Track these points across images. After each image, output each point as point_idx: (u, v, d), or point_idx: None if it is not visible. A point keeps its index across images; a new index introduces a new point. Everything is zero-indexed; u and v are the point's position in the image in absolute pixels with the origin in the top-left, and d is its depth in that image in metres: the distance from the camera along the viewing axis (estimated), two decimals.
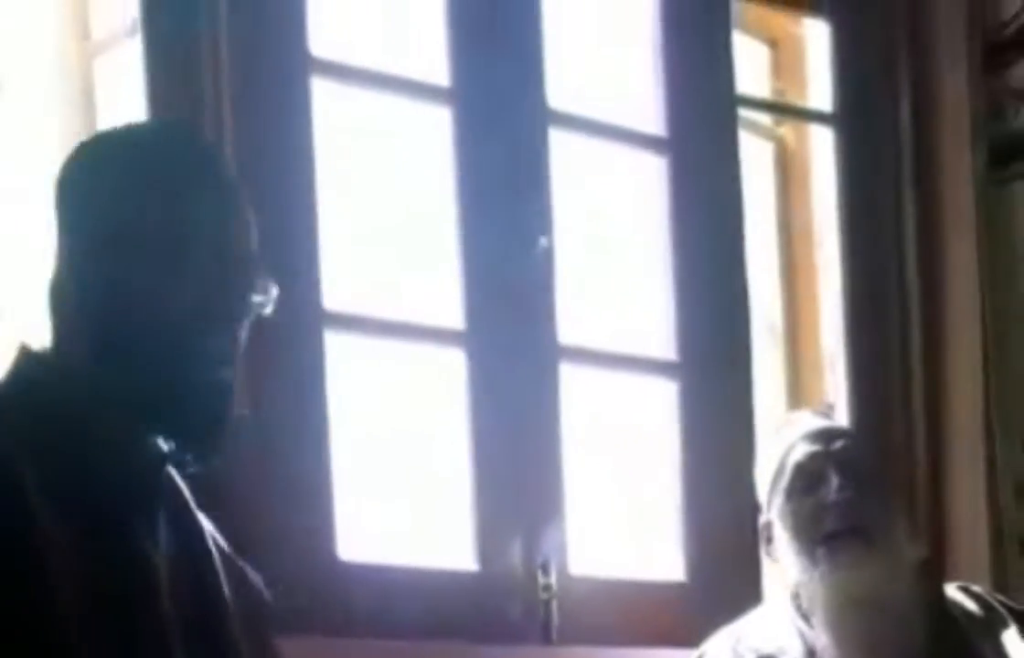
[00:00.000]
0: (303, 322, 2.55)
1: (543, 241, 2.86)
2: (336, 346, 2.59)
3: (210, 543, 1.75)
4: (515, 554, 2.71)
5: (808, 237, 3.33)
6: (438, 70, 2.79)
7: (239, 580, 1.77)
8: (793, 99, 3.36)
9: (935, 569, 2.69)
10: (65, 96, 2.53)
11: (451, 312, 2.75)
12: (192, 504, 1.73)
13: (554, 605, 2.71)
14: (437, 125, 2.79)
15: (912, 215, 3.27)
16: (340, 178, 2.65)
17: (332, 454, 2.54)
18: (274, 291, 1.70)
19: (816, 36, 3.31)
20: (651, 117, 3.07)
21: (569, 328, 2.86)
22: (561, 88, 2.91)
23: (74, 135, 2.51)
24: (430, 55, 2.78)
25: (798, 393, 3.28)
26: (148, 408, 1.61)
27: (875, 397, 3.25)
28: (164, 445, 1.65)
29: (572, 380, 2.85)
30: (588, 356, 2.93)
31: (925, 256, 3.25)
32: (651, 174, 3.06)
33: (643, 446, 3.00)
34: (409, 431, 2.72)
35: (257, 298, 1.69)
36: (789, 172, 3.38)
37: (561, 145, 2.92)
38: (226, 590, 1.72)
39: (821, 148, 3.32)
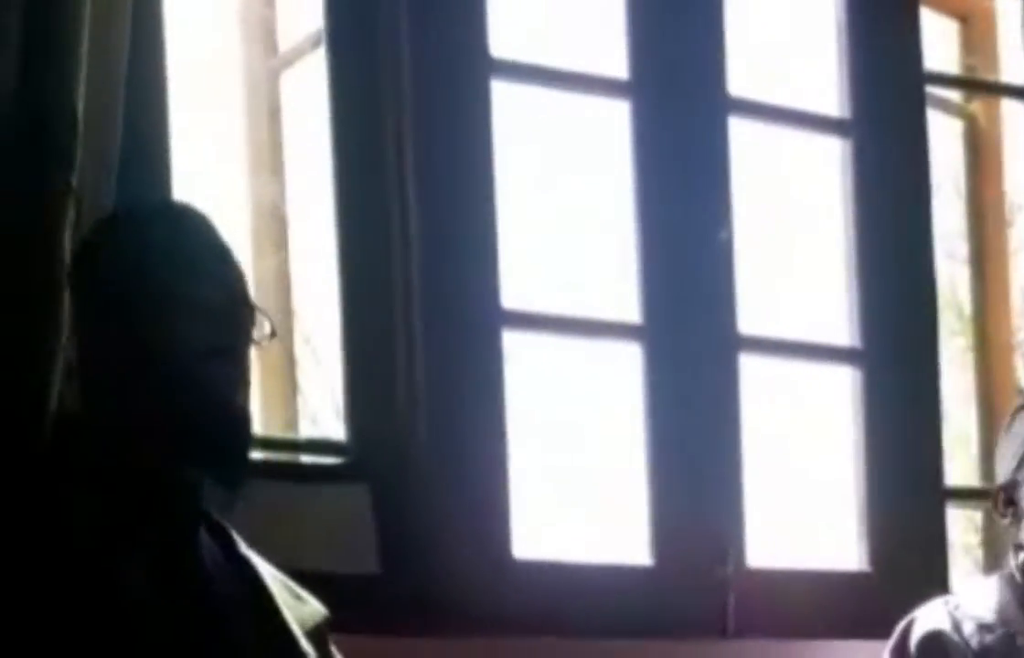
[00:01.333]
0: (481, 321, 2.65)
1: (723, 234, 2.91)
2: (514, 344, 2.68)
3: (247, 555, 1.94)
4: (692, 547, 2.78)
5: (999, 217, 3.32)
6: (616, 63, 2.85)
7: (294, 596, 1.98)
8: (984, 74, 3.35)
9: None
10: (253, 109, 2.66)
11: (629, 306, 2.82)
12: (240, 544, 1.93)
13: (731, 598, 2.77)
14: (615, 118, 2.85)
15: None
16: (518, 176, 2.73)
17: (509, 452, 2.63)
18: (267, 327, 1.89)
19: (1008, 9, 3.28)
20: (834, 99, 3.09)
21: (749, 318, 2.90)
22: (741, 74, 2.95)
23: (262, 147, 2.66)
24: (608, 48, 2.84)
25: (987, 380, 3.28)
26: (176, 438, 1.82)
27: None
28: (194, 476, 1.86)
29: (752, 371, 2.89)
30: (769, 345, 2.98)
31: None
32: (834, 158, 3.08)
33: (825, 436, 3.04)
34: (586, 427, 2.80)
35: (255, 331, 1.88)
36: (980, 150, 3.36)
37: (741, 133, 2.96)
38: (278, 602, 1.91)
39: (1013, 124, 3.30)
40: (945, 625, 2.57)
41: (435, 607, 2.50)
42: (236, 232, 2.61)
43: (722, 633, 2.76)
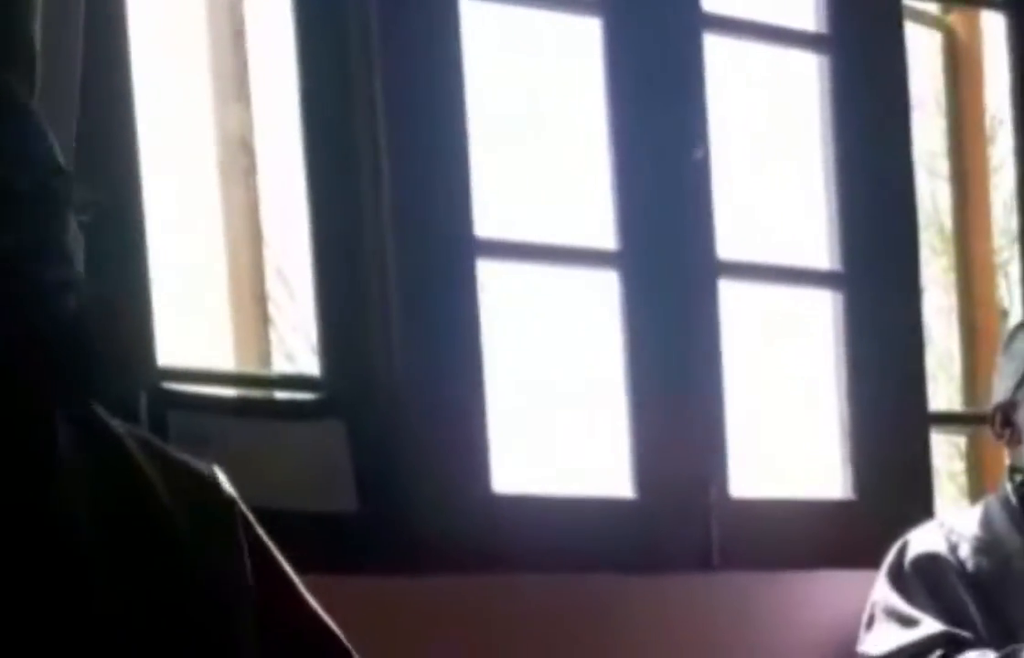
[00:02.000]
0: (455, 251, 2.63)
1: (698, 152, 2.89)
2: (488, 273, 2.66)
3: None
4: (674, 479, 2.78)
5: (979, 133, 3.31)
6: None
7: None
8: None
9: None
10: (217, 35, 2.62)
11: (604, 232, 2.80)
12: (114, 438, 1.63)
13: (715, 529, 2.77)
14: (588, 37, 2.82)
15: None
16: (490, 100, 2.71)
17: (487, 385, 2.61)
18: (88, 196, 1.53)
19: None
20: (811, 14, 3.07)
21: (727, 242, 2.89)
22: None
23: (227, 74, 2.62)
24: None
25: (969, 300, 3.28)
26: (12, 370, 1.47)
27: None
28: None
29: (732, 296, 2.88)
30: (748, 270, 2.97)
31: None
32: (812, 74, 3.07)
33: (807, 362, 3.04)
34: (564, 358, 2.79)
35: (78, 211, 1.53)
36: (959, 64, 3.35)
37: (716, 49, 2.94)
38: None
39: (993, 37, 3.29)
40: (940, 547, 2.59)
41: (414, 544, 2.49)
42: (203, 163, 2.58)
43: (706, 565, 2.77)
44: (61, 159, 1.56)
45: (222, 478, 1.72)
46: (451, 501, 2.56)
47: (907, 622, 2.56)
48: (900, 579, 2.62)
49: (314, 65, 2.56)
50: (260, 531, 1.74)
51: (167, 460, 1.67)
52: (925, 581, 2.59)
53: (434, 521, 2.52)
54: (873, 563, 2.74)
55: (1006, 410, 2.65)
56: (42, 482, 1.54)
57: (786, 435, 3.05)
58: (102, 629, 1.53)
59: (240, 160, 2.66)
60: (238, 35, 2.65)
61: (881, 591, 2.63)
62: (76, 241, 1.54)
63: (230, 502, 1.70)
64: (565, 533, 2.65)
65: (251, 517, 1.73)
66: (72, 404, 1.56)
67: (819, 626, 2.77)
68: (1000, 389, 2.68)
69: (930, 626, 2.54)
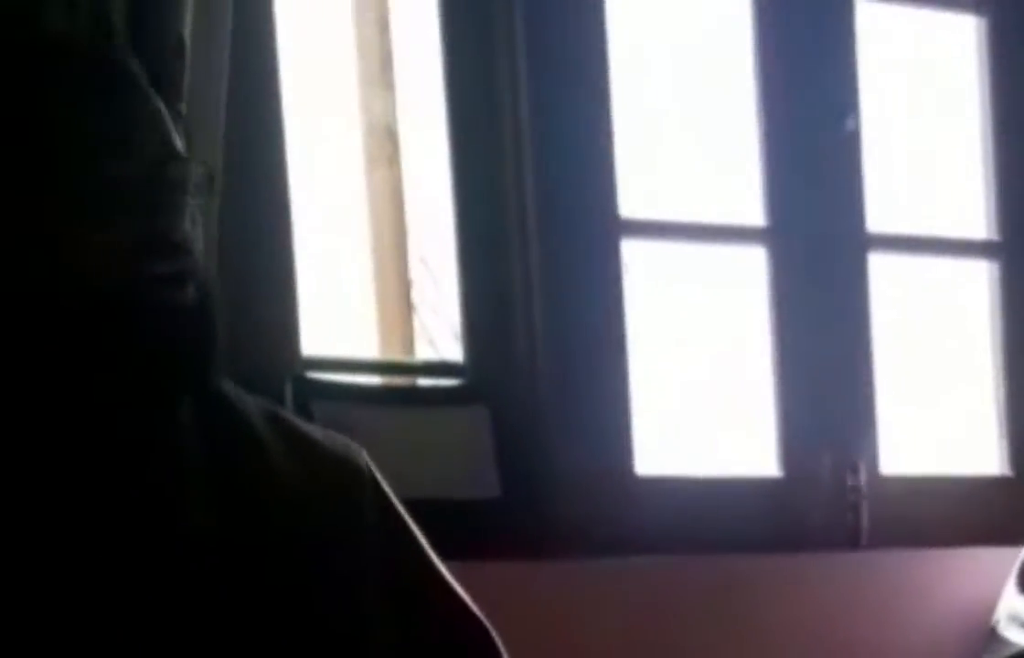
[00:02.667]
0: (599, 232, 2.66)
1: (849, 122, 2.89)
2: (633, 253, 2.69)
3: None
4: (822, 457, 2.79)
5: None
6: None
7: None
8: None
9: None
10: (363, 22, 2.67)
11: (752, 208, 2.81)
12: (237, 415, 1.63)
13: (864, 507, 2.78)
14: (734, 3, 2.83)
15: None
16: (635, 77, 2.73)
17: (630, 367, 2.65)
18: (198, 171, 1.49)
19: None
20: None
21: (878, 215, 2.89)
22: None
23: (372, 60, 2.68)
24: None
25: None
26: (103, 386, 1.45)
27: None
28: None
29: (882, 270, 2.88)
30: (900, 243, 2.96)
31: None
32: (967, 37, 3.04)
33: (961, 335, 3.02)
34: (710, 337, 2.81)
35: (192, 186, 1.50)
36: None
37: (868, 15, 2.93)
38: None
39: None
40: None
41: (558, 529, 2.53)
42: (348, 150, 2.65)
43: (855, 544, 2.77)
44: (177, 144, 1.52)
45: (359, 457, 1.70)
46: (594, 485, 2.60)
47: None
48: None
49: (458, 51, 2.61)
50: (401, 513, 1.74)
51: (298, 438, 1.66)
52: None
53: (577, 505, 2.57)
54: None
55: None
56: (158, 473, 1.53)
57: (940, 411, 3.04)
58: (217, 617, 1.53)
59: (385, 147, 2.72)
60: (383, 22, 2.70)
61: (1008, 594, 2.62)
62: (195, 228, 1.50)
63: (360, 476, 1.68)
64: (710, 514, 2.68)
65: (392, 498, 1.74)
66: (191, 392, 1.55)
67: (971, 603, 2.76)
68: None
69: None
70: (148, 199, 1.46)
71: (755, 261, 2.82)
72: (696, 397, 2.84)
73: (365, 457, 1.74)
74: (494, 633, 1.79)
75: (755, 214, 2.83)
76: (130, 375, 1.47)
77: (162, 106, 1.56)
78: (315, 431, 1.73)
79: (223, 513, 1.58)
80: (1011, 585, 2.65)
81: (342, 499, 1.66)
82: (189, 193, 1.50)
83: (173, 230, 1.48)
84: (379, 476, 1.74)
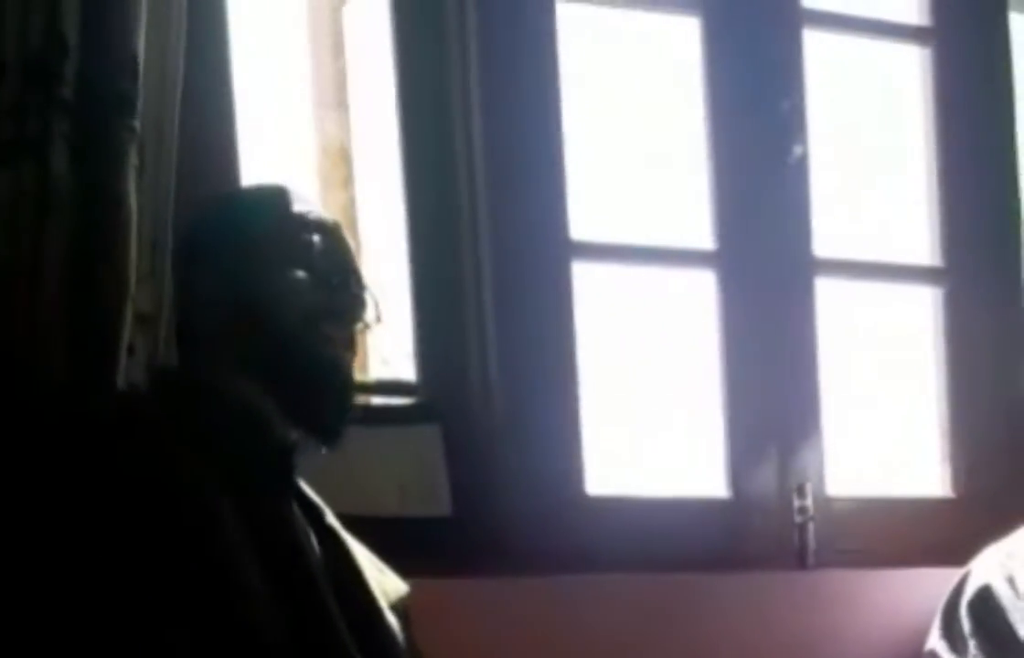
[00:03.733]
0: (550, 254, 2.70)
1: (797, 149, 2.93)
2: (583, 276, 2.73)
3: (333, 524, 2.04)
4: (769, 478, 2.83)
5: None
6: None
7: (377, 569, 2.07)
8: None
9: None
10: (317, 45, 2.69)
11: (700, 232, 2.85)
12: (311, 495, 2.03)
13: (811, 528, 2.82)
14: (684, 32, 2.87)
15: None
16: (585, 104, 2.76)
17: (580, 388, 2.68)
18: (377, 305, 2.00)
19: None
20: (913, 5, 3.09)
21: (824, 240, 2.93)
22: None
23: (326, 83, 2.70)
24: None
25: None
26: (284, 391, 1.94)
27: None
28: (292, 435, 1.97)
29: (829, 294, 2.92)
30: (846, 268, 3.00)
31: None
32: (913, 67, 3.09)
33: (905, 359, 3.06)
34: (659, 359, 2.84)
35: (367, 307, 2.01)
36: None
37: (815, 45, 2.97)
38: (365, 573, 2.01)
39: None
40: (996, 579, 2.59)
41: (509, 547, 2.56)
42: (302, 170, 2.67)
43: (802, 564, 2.80)
44: (361, 272, 2.05)
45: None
46: (545, 504, 2.62)
47: None
48: (952, 622, 2.64)
49: (412, 73, 2.64)
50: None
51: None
52: (977, 622, 2.62)
53: (528, 524, 2.60)
54: (971, 560, 2.77)
55: None
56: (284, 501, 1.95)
57: (885, 433, 3.08)
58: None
59: (339, 168, 2.74)
60: (337, 44, 2.73)
61: (932, 642, 2.66)
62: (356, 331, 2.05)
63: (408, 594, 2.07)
64: (659, 534, 2.70)
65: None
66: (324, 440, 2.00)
67: (916, 624, 2.80)
68: None
69: None
70: (341, 287, 2.05)
71: (704, 284, 2.85)
72: (645, 418, 2.87)
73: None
74: None
75: (704, 238, 2.86)
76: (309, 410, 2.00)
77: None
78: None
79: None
80: (935, 633, 2.69)
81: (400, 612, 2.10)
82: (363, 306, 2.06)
83: (352, 314, 2.05)
84: None
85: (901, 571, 2.85)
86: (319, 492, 2.04)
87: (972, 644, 2.61)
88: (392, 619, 2.01)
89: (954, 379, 3.04)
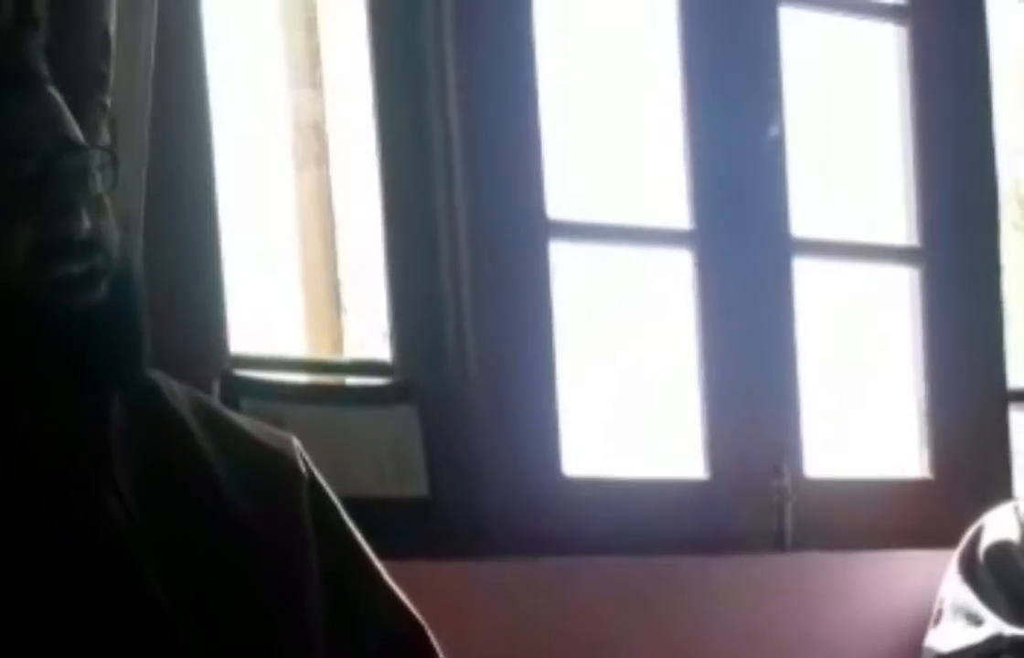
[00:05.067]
0: (527, 233, 2.68)
1: (773, 129, 2.92)
2: (561, 255, 2.71)
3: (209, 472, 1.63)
4: (748, 459, 2.82)
5: None
6: None
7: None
8: None
9: None
10: (290, 21, 2.67)
11: (677, 212, 2.84)
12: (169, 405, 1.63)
13: (789, 510, 2.81)
14: (660, 9, 2.86)
15: None
16: (562, 83, 2.75)
17: (558, 367, 2.66)
18: (98, 157, 1.50)
19: None
20: None
21: (802, 220, 2.92)
22: None
23: (300, 59, 2.68)
24: None
25: None
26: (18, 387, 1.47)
27: None
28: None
29: (806, 274, 2.91)
30: (823, 247, 3.00)
31: None
32: (889, 47, 3.08)
33: (883, 340, 3.06)
34: (637, 339, 2.83)
35: (98, 177, 1.51)
36: None
37: (792, 23, 2.96)
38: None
39: None
40: (1014, 534, 2.60)
41: (486, 529, 2.55)
42: (276, 147, 2.65)
43: (780, 547, 2.80)
44: (74, 131, 1.50)
45: (293, 450, 1.71)
46: (522, 485, 2.61)
47: (974, 620, 2.59)
48: (971, 570, 2.64)
49: (386, 49, 2.62)
50: (336, 506, 1.75)
51: (232, 432, 1.67)
52: (996, 573, 2.62)
53: (505, 505, 2.58)
54: (950, 543, 2.77)
55: None
56: (88, 469, 1.54)
57: (862, 415, 3.07)
58: (152, 610, 1.52)
59: (313, 146, 2.72)
60: (311, 20, 2.71)
61: (951, 583, 2.66)
62: (103, 217, 1.50)
63: (297, 476, 1.68)
64: (637, 515, 2.69)
65: (327, 492, 1.74)
66: (116, 387, 1.55)
67: (894, 606, 2.80)
68: None
69: (995, 626, 2.57)
70: (45, 197, 1.45)
71: (681, 264, 2.84)
72: (623, 398, 2.85)
73: (300, 451, 1.74)
74: (430, 632, 1.80)
75: (681, 217, 2.85)
76: (41, 379, 1.47)
77: (56, 94, 1.55)
78: (247, 422, 1.75)
79: (150, 495, 1.57)
80: (953, 574, 2.68)
81: (279, 496, 1.67)
82: (90, 182, 1.50)
83: (77, 227, 1.47)
84: (315, 471, 1.74)
85: (879, 553, 2.85)
86: None
87: (992, 589, 2.59)
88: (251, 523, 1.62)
89: (932, 359, 3.04)
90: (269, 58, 2.66)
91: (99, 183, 1.51)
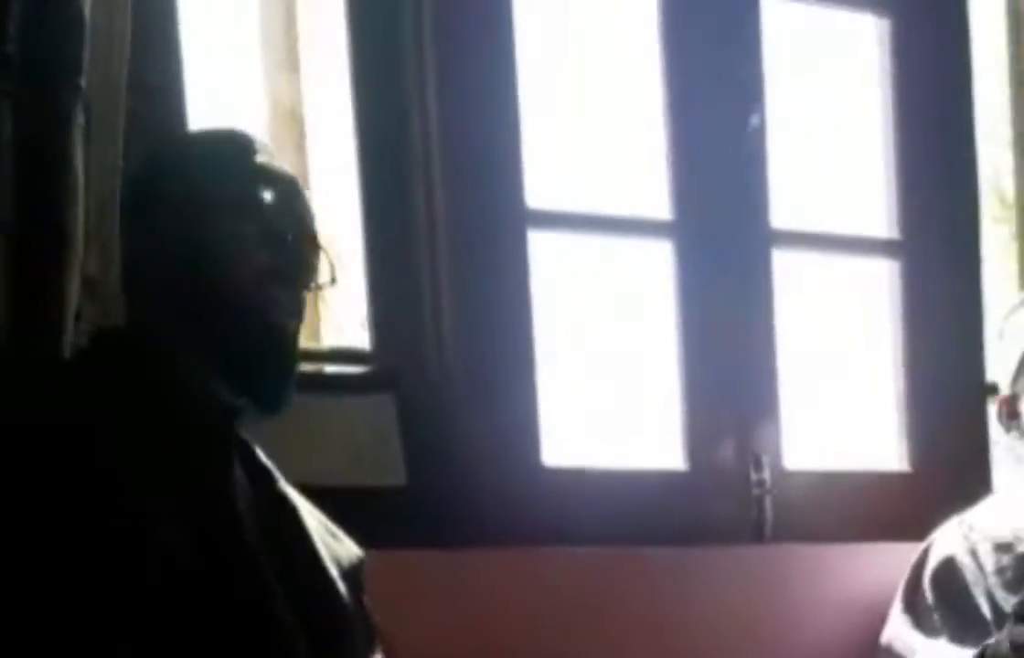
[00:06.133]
0: (506, 223, 2.67)
1: (754, 119, 2.91)
2: (540, 244, 2.70)
3: (284, 490, 1.98)
4: (726, 451, 2.82)
5: None
6: None
7: (331, 534, 2.01)
8: None
9: None
10: (267, 5, 2.65)
11: (658, 202, 2.83)
12: (262, 459, 1.97)
13: (768, 502, 2.81)
14: (641, 2, 2.84)
15: None
16: (540, 69, 2.73)
17: (537, 357, 2.65)
18: (333, 267, 1.92)
19: None
20: None
21: (782, 211, 2.91)
22: None
23: (278, 44, 2.66)
24: None
25: None
26: (226, 353, 1.86)
27: None
28: (235, 401, 1.90)
29: (786, 266, 2.91)
30: (803, 239, 2.99)
31: None
32: (871, 38, 3.08)
33: (862, 332, 3.05)
34: (616, 329, 2.82)
35: (318, 271, 1.93)
36: (1022, 27, 3.34)
37: (773, 14, 2.96)
38: (315, 540, 1.95)
39: None
40: (958, 550, 2.59)
41: (464, 518, 2.54)
42: (253, 132, 2.62)
43: (759, 538, 2.80)
44: (317, 230, 1.95)
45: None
46: (501, 475, 2.60)
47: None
48: (915, 596, 2.64)
49: (365, 34, 2.60)
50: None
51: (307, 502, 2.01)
52: (940, 595, 2.61)
53: (484, 495, 2.57)
54: (928, 535, 2.76)
55: (1010, 403, 2.64)
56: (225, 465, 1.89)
57: (842, 407, 3.07)
58: (266, 588, 1.83)
59: (290, 131, 2.70)
60: (289, 4, 2.69)
61: (894, 618, 2.65)
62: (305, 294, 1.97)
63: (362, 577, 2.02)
64: (616, 506, 2.69)
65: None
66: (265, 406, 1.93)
67: (873, 598, 2.79)
68: (1002, 381, 2.68)
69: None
70: (293, 248, 1.93)
71: (661, 254, 2.83)
72: (602, 388, 2.84)
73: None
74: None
75: (661, 208, 2.84)
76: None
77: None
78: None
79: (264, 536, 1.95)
80: (897, 607, 2.67)
81: (354, 570, 2.04)
82: (315, 270, 1.96)
83: (299, 280, 1.93)
84: None
85: (857, 545, 2.85)
86: (272, 461, 2.00)
87: (935, 617, 2.60)
88: (342, 586, 1.95)
89: (911, 352, 3.04)
90: (246, 42, 2.63)
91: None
